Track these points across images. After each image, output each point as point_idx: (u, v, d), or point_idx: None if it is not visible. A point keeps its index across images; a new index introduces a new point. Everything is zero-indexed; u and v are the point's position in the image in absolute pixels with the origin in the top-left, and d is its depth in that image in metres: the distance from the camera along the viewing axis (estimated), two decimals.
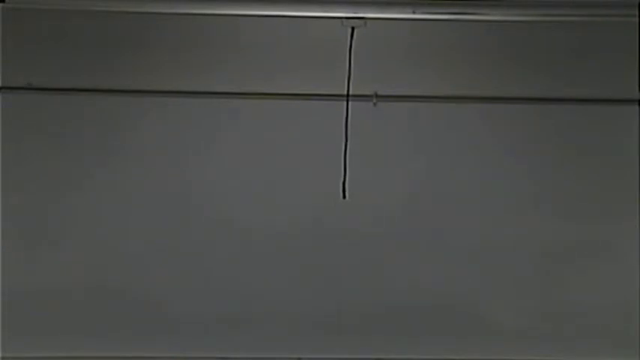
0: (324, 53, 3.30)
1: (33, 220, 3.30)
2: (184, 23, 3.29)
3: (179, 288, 3.31)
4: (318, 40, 3.30)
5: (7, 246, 3.26)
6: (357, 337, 3.33)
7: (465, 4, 2.93)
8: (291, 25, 3.24)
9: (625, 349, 3.31)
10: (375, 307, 3.33)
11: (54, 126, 3.31)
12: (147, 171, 3.32)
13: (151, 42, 3.32)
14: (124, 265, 3.30)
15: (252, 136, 3.33)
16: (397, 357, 3.32)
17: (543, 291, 3.34)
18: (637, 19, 2.94)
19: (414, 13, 2.94)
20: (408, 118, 3.34)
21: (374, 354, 3.32)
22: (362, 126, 3.26)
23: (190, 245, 3.31)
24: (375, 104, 3.30)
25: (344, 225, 3.31)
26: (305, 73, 3.31)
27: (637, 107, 3.33)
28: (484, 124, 3.35)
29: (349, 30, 3.16)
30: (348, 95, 3.25)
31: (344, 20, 3.06)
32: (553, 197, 3.35)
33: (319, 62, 3.30)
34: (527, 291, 3.34)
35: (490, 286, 3.34)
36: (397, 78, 3.33)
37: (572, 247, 3.34)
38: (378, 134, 3.33)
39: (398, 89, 3.31)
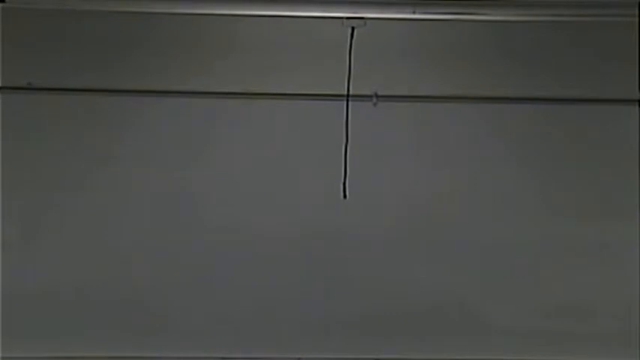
0: (324, 53, 3.30)
1: (33, 220, 3.30)
2: (184, 23, 3.29)
3: (179, 288, 3.31)
4: (318, 40, 3.30)
5: (7, 246, 3.26)
6: (357, 337, 3.33)
7: (465, 4, 2.93)
8: (291, 25, 3.24)
9: (625, 349, 3.31)
10: (375, 307, 3.32)
11: (54, 126, 3.31)
12: (147, 171, 3.32)
13: (151, 42, 3.32)
14: (124, 266, 3.30)
15: (252, 136, 3.33)
16: (397, 357, 3.32)
17: (543, 291, 3.34)
18: (637, 19, 2.94)
19: (414, 13, 2.94)
20: (408, 118, 3.34)
21: (374, 354, 3.32)
22: (362, 126, 3.27)
23: (190, 245, 3.31)
24: (375, 104, 3.30)
25: (344, 225, 3.31)
26: (305, 73, 3.31)
27: (637, 107, 3.33)
28: (484, 124, 3.35)
29: (349, 30, 3.16)
30: (348, 95, 3.25)
31: (344, 20, 3.06)
32: (553, 197, 3.35)
33: (319, 62, 3.30)
34: (528, 291, 3.34)
35: (490, 286, 3.33)
36: (397, 78, 3.33)
37: (573, 247, 3.34)
38: (378, 134, 3.33)
39: (398, 89, 3.31)
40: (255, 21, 3.22)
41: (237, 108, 3.32)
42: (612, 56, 3.33)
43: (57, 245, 3.29)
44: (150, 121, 3.33)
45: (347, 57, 3.21)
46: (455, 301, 3.33)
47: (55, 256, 3.29)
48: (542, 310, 3.34)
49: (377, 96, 3.30)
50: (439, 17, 2.97)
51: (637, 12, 2.91)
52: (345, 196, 3.24)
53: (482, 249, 3.33)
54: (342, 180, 3.25)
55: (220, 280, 3.31)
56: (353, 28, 3.15)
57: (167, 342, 3.30)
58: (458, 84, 3.34)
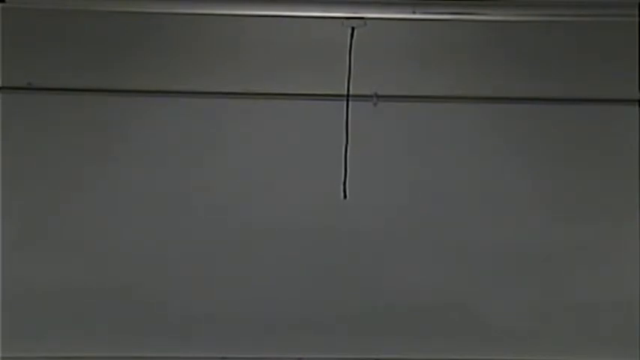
0: (324, 53, 3.30)
1: (33, 220, 3.30)
2: (184, 23, 3.29)
3: (179, 288, 3.31)
4: (318, 40, 3.30)
5: (7, 246, 3.26)
6: (357, 337, 3.33)
7: (465, 4, 2.93)
8: (291, 25, 3.25)
9: (625, 349, 3.31)
10: (375, 307, 3.33)
11: (54, 126, 3.31)
12: (147, 171, 3.32)
13: (151, 42, 3.32)
14: (124, 265, 3.30)
15: (252, 136, 3.33)
16: (397, 357, 3.32)
17: (543, 291, 3.34)
18: (637, 19, 2.94)
19: (414, 13, 2.94)
20: (408, 118, 3.34)
21: (374, 354, 3.32)
22: (362, 126, 3.26)
23: (190, 245, 3.31)
24: (375, 104, 3.30)
25: (344, 225, 3.31)
26: (305, 73, 3.31)
27: (637, 107, 3.33)
28: (484, 124, 3.35)
29: (349, 30, 3.16)
30: (348, 95, 3.25)
31: (344, 20, 3.06)
32: (553, 197, 3.35)
33: (319, 62, 3.30)
34: (528, 291, 3.34)
35: (490, 286, 3.33)
36: (397, 78, 3.33)
37: (572, 247, 3.34)
38: (378, 134, 3.33)
39: (398, 89, 3.31)
40: (255, 21, 3.22)
41: (237, 108, 3.32)
42: (612, 56, 3.33)
43: (57, 245, 3.29)
44: (149, 121, 3.32)
45: (347, 57, 3.21)
46: (455, 301, 3.33)
47: (55, 256, 3.29)
48: (542, 310, 3.34)
49: (377, 96, 3.30)
50: (439, 17, 2.97)
51: (637, 12, 2.91)
52: (345, 196, 3.24)
53: (482, 249, 3.33)
54: (342, 180, 3.25)
55: (220, 280, 3.31)
56: (353, 28, 3.15)
57: (167, 342, 3.31)
58: (458, 84, 3.34)
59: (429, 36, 3.33)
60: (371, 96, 3.30)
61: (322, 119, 3.29)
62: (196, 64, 3.32)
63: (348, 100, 3.25)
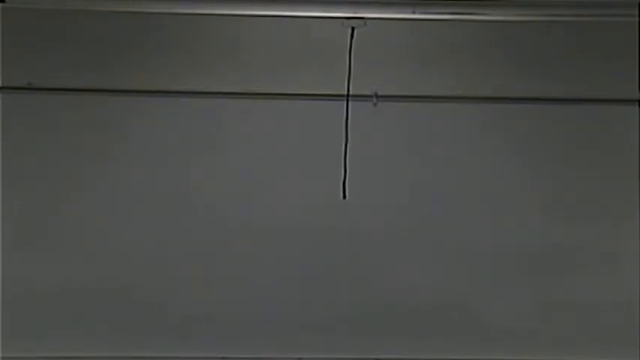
0: (324, 53, 3.30)
1: (33, 220, 3.30)
2: (184, 23, 3.29)
3: (179, 288, 3.31)
4: (318, 40, 3.30)
5: (7, 246, 3.26)
6: (357, 337, 3.33)
7: (465, 4, 2.93)
8: (291, 25, 3.25)
9: (625, 349, 3.31)
10: (375, 307, 3.32)
11: (54, 126, 3.31)
12: (147, 171, 3.32)
13: (151, 42, 3.32)
14: (124, 265, 3.30)
15: (252, 136, 3.33)
16: (397, 357, 3.32)
17: (543, 291, 3.34)
18: (637, 19, 2.94)
19: (414, 13, 2.94)
20: (408, 118, 3.34)
21: (373, 354, 3.32)
22: (362, 126, 3.27)
23: (189, 245, 3.31)
24: (375, 104, 3.30)
25: (344, 225, 3.31)
26: (305, 73, 3.31)
27: (637, 107, 3.33)
28: (484, 124, 3.35)
29: (349, 30, 3.16)
30: (348, 95, 3.25)
31: (344, 20, 3.06)
32: (553, 197, 3.35)
33: (319, 62, 3.30)
34: (528, 291, 3.34)
35: (490, 286, 3.33)
36: (397, 78, 3.33)
37: (572, 247, 3.34)
38: (378, 134, 3.33)
39: (398, 89, 3.31)
40: (255, 21, 3.22)
41: (237, 108, 3.32)
42: (612, 56, 3.33)
43: (57, 245, 3.29)
44: (149, 121, 3.32)
45: (347, 57, 3.21)
46: (455, 301, 3.33)
47: (55, 256, 3.29)
48: (543, 310, 3.34)
49: (377, 96, 3.30)
50: (439, 17, 2.97)
51: (637, 12, 2.91)
52: (344, 196, 3.24)
53: (482, 249, 3.33)
54: (342, 180, 3.25)
55: (220, 280, 3.31)
56: (353, 28, 3.15)
57: (167, 342, 3.31)
58: (458, 84, 3.34)
59: (429, 36, 3.33)
60: (371, 96, 3.30)
61: (322, 119, 3.29)
62: (196, 64, 3.33)
63: (348, 100, 3.25)
